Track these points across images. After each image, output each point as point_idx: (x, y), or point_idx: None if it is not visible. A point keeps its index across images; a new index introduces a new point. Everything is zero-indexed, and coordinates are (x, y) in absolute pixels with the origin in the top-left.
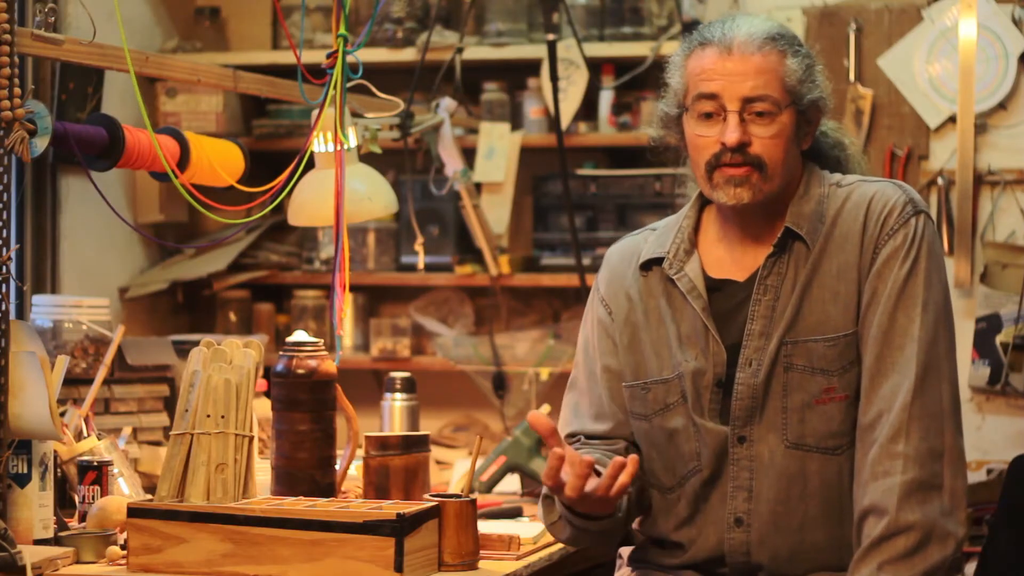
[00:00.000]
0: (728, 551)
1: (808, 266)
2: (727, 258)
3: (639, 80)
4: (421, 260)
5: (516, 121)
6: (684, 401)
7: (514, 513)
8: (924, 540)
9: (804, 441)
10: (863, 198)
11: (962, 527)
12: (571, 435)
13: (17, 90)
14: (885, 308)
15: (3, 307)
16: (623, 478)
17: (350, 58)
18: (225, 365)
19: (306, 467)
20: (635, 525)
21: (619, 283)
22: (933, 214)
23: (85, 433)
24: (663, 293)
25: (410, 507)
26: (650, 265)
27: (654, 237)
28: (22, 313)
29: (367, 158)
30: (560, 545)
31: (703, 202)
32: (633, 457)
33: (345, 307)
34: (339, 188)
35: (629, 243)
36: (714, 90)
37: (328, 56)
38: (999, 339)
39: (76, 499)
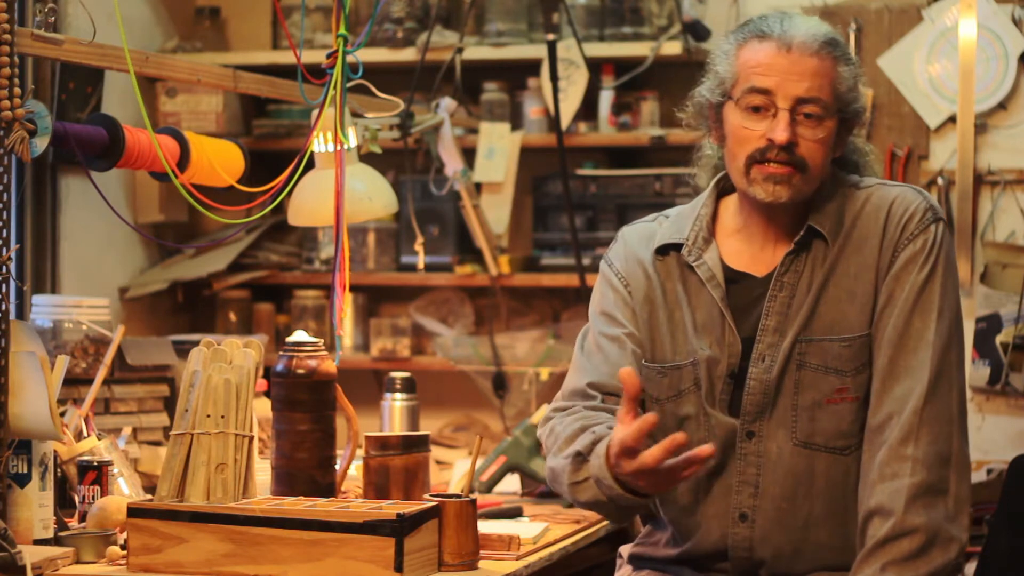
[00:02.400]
0: (731, 546)
1: (826, 266)
2: (746, 252)
3: (639, 80)
4: (421, 260)
5: (516, 121)
6: (697, 389)
7: (514, 513)
8: (928, 543)
9: (813, 440)
10: (883, 201)
11: (965, 532)
12: (592, 385)
13: (17, 90)
14: (901, 312)
15: (3, 307)
16: (697, 468)
17: (350, 58)
18: (225, 365)
19: (306, 467)
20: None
21: (636, 260)
22: None
23: (85, 433)
24: (680, 278)
25: (410, 507)
26: (667, 250)
27: (668, 223)
28: (22, 313)
29: (367, 158)
30: (560, 545)
31: (720, 192)
32: (710, 449)
33: (345, 307)
34: (339, 188)
35: (644, 226)
36: (768, 86)
37: (328, 56)
38: (999, 339)
39: (76, 499)
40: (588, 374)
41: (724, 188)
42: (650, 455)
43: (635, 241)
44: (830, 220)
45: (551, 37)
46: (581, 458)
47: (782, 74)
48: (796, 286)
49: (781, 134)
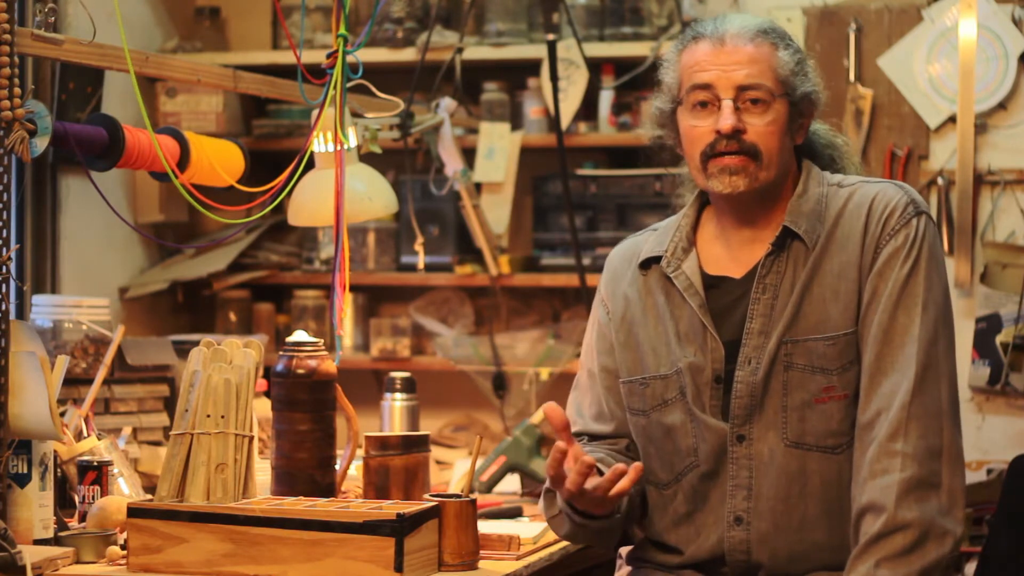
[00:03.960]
0: (728, 550)
1: (808, 265)
2: (724, 255)
3: (639, 80)
4: (421, 260)
5: (516, 121)
6: (683, 397)
7: (514, 513)
8: (922, 538)
9: (804, 440)
10: (865, 198)
11: (960, 526)
12: (576, 435)
13: (17, 90)
14: (886, 307)
15: (3, 307)
16: (622, 484)
17: (350, 58)
18: (225, 365)
19: (306, 467)
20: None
21: (618, 283)
22: (933, 214)
23: (85, 433)
24: (662, 290)
25: (410, 507)
26: (649, 264)
27: (654, 237)
28: (22, 313)
29: (367, 158)
30: (560, 545)
31: (702, 202)
32: (637, 465)
33: (345, 307)
34: (339, 188)
35: (630, 243)
36: (708, 80)
37: (328, 56)
38: (999, 339)
39: (76, 499)
40: (572, 424)
41: (707, 197)
42: (569, 481)
43: (617, 263)
44: (807, 220)
45: (551, 37)
46: (551, 495)
47: (720, 67)
48: (779, 287)
49: (725, 122)
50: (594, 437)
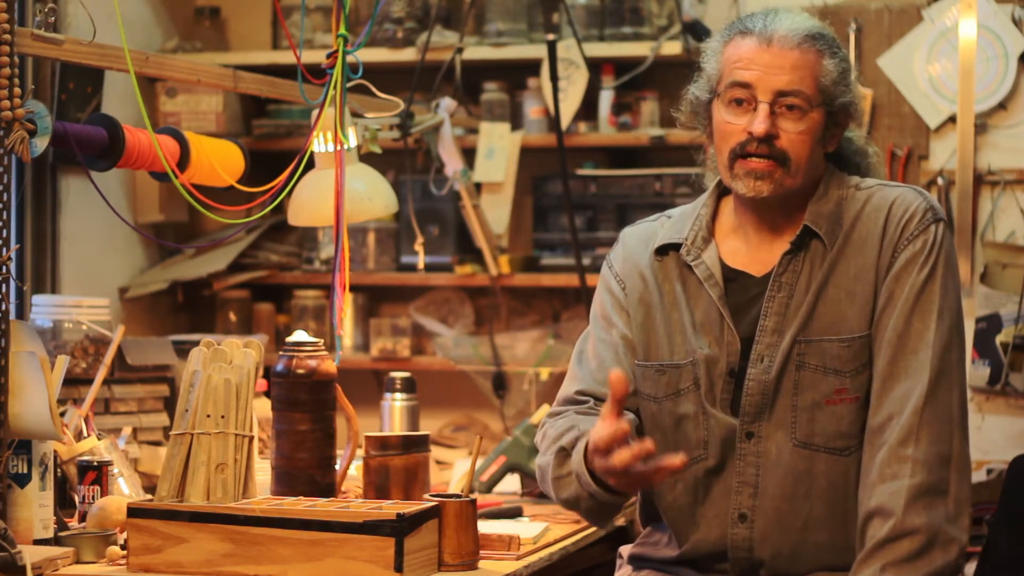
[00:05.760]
0: (731, 546)
1: (825, 266)
2: (743, 250)
3: (639, 80)
4: (421, 260)
5: (516, 121)
6: (696, 388)
7: (514, 513)
8: (928, 544)
9: (812, 440)
10: (884, 202)
11: (965, 534)
12: (581, 393)
13: (17, 90)
14: (901, 312)
15: (3, 307)
16: (665, 475)
17: (350, 58)
18: (225, 365)
19: (306, 467)
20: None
21: (634, 263)
22: None
23: (85, 433)
24: (679, 278)
25: (410, 507)
26: (666, 250)
27: (670, 223)
28: (22, 313)
29: (367, 158)
30: (560, 545)
31: (721, 192)
32: (683, 457)
33: (345, 307)
34: (339, 188)
35: (645, 227)
36: (748, 79)
37: (328, 56)
38: (999, 339)
39: (76, 499)
40: (579, 382)
41: (726, 187)
42: (618, 457)
43: (634, 243)
44: (827, 221)
45: (551, 37)
46: (564, 453)
47: (762, 68)
48: (795, 286)
49: (759, 126)
50: (600, 400)
